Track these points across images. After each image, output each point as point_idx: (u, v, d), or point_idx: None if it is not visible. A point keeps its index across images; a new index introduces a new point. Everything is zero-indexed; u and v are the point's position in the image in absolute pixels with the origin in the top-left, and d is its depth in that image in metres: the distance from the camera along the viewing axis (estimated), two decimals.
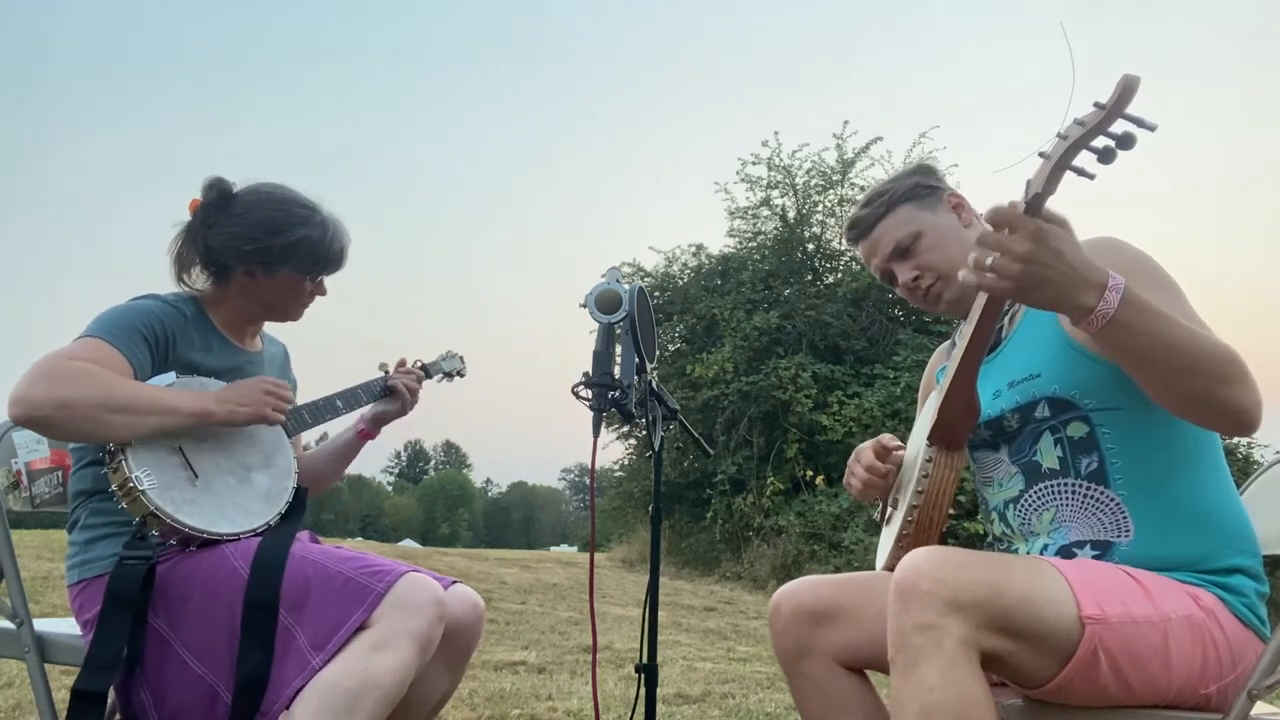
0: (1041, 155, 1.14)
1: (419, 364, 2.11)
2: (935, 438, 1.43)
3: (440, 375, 2.19)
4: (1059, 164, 1.11)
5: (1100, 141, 1.08)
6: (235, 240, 1.70)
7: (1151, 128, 1.06)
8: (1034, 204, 1.14)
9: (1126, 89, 1.04)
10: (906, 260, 1.61)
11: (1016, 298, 1.18)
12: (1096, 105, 1.07)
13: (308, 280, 1.79)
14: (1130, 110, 1.05)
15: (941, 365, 1.73)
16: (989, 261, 1.15)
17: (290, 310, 1.83)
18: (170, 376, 1.63)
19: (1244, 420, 1.20)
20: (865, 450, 1.65)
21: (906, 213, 1.61)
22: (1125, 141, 1.07)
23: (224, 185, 1.73)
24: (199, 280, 1.77)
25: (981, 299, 1.30)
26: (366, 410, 2.01)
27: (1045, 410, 1.42)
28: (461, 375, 2.24)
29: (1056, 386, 1.40)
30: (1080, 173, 1.11)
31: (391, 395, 2.01)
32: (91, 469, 1.64)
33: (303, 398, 1.93)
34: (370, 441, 2.05)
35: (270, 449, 1.74)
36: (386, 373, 2.03)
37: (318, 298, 1.85)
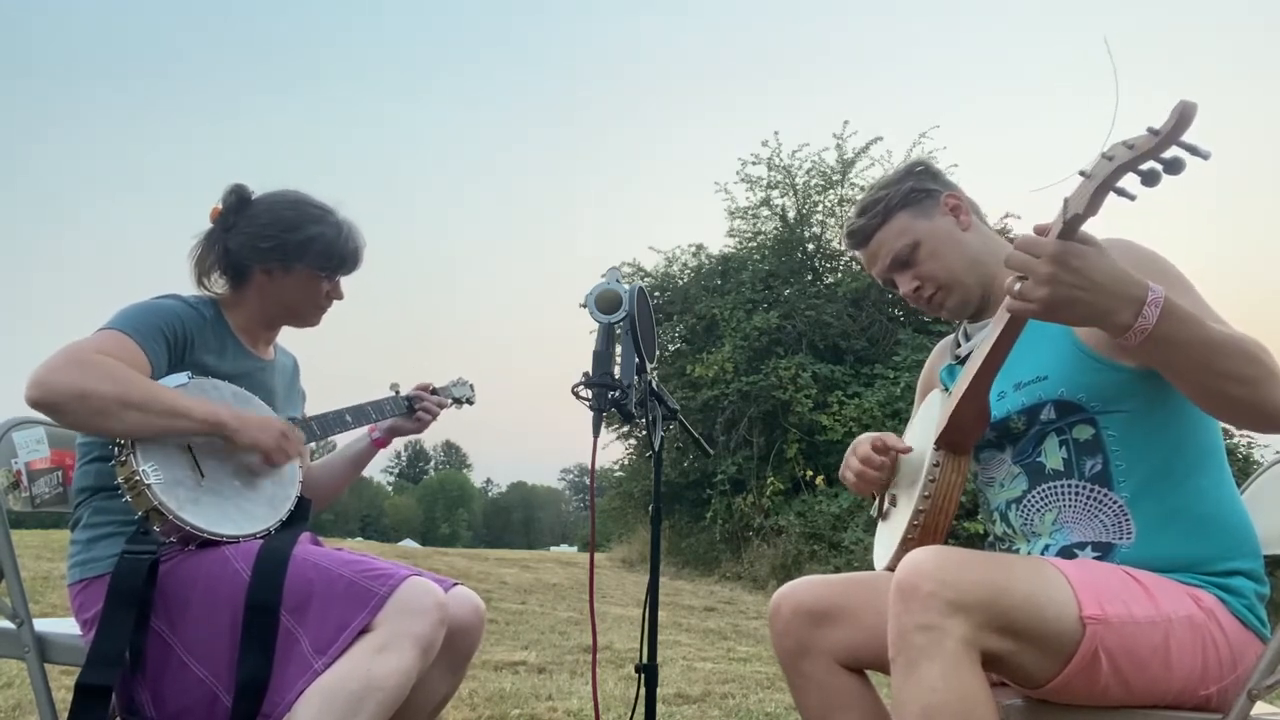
0: (1082, 174, 1.12)
1: (430, 388, 2.13)
2: (943, 442, 1.42)
3: (450, 401, 2.21)
4: (1103, 185, 1.09)
5: (1147, 164, 1.05)
6: (253, 239, 1.74)
7: (1205, 156, 1.03)
8: (1072, 224, 1.13)
9: (1183, 117, 1.01)
10: (906, 270, 1.61)
11: (1045, 318, 1.17)
12: (1150, 131, 1.04)
13: (324, 280, 1.82)
14: (1185, 138, 1.02)
15: (945, 363, 1.73)
16: (1016, 287, 1.16)
17: (308, 313, 1.86)
18: (183, 377, 1.64)
19: None
20: (863, 444, 1.64)
21: (903, 221, 1.60)
22: (1174, 166, 1.04)
23: (243, 190, 1.79)
24: (218, 284, 1.80)
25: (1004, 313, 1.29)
26: (383, 422, 2.04)
27: (1051, 413, 1.42)
28: (470, 403, 2.28)
29: (1064, 389, 1.40)
30: (1121, 193, 1.09)
31: (412, 415, 2.05)
32: (95, 465, 1.65)
33: (313, 410, 1.94)
34: (383, 450, 2.08)
35: None
36: (397, 392, 2.05)
37: (335, 302, 1.87)
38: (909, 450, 1.60)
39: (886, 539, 1.62)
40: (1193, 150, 1.04)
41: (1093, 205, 1.11)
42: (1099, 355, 1.38)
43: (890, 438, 1.64)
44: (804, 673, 1.61)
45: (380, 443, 2.06)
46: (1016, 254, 1.15)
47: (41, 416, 1.62)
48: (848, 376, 11.90)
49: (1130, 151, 1.06)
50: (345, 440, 2.09)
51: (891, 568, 1.50)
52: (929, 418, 1.58)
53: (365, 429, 2.05)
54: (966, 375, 1.37)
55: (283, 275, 1.78)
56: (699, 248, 14.07)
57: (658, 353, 1.92)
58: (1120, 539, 1.37)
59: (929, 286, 1.59)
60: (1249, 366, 1.17)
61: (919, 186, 1.61)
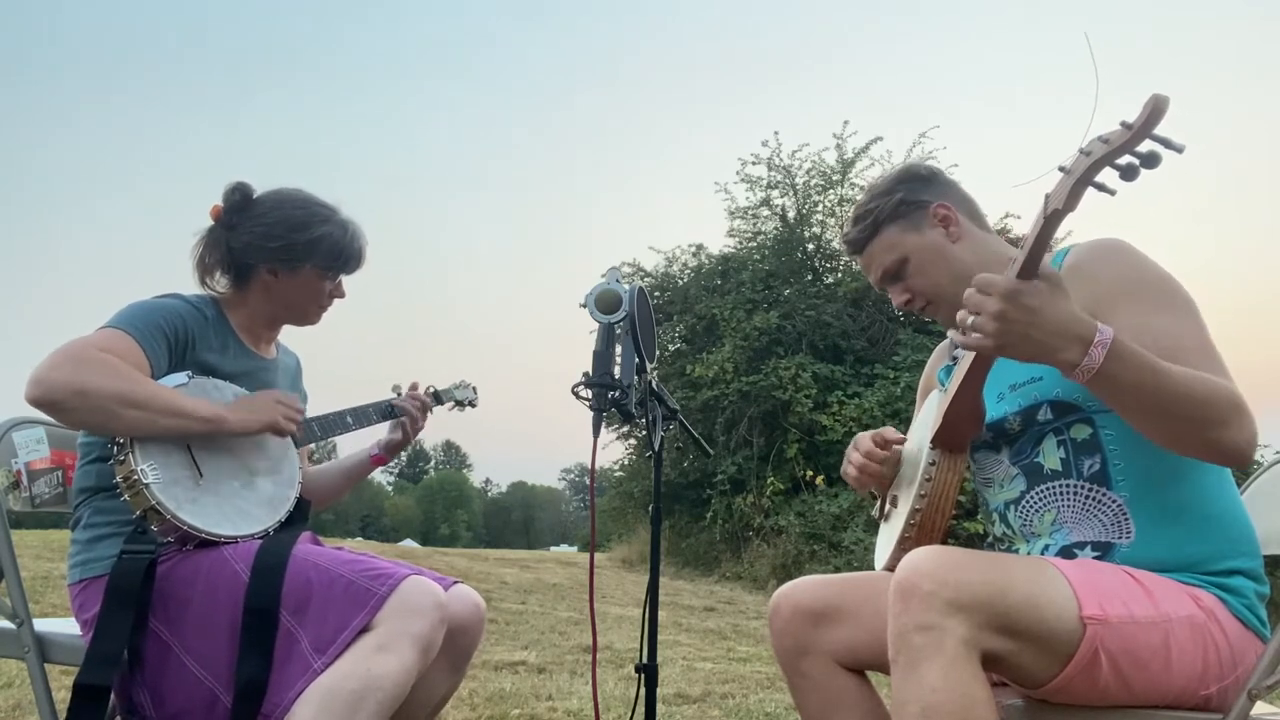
0: (1062, 170, 1.13)
1: (430, 390, 2.12)
2: (939, 441, 1.43)
3: (452, 404, 2.20)
4: (1081, 180, 1.09)
5: (1124, 159, 1.06)
6: (259, 239, 1.74)
7: (1179, 149, 1.03)
8: (1052, 220, 1.13)
9: (1155, 110, 1.02)
10: (896, 284, 1.62)
11: (997, 354, 1.21)
12: (1124, 125, 1.04)
13: (328, 279, 1.82)
14: (1158, 130, 1.03)
15: (943, 364, 1.73)
16: (970, 321, 1.19)
17: (309, 312, 1.86)
18: (182, 377, 1.64)
19: (1233, 457, 1.22)
20: (864, 438, 1.65)
21: (891, 236, 1.60)
22: (1150, 160, 1.05)
23: (246, 189, 1.78)
24: (220, 283, 1.80)
25: None
26: (382, 436, 2.04)
27: (1048, 413, 1.42)
28: (473, 405, 2.26)
29: (1059, 390, 1.40)
30: (1101, 188, 1.10)
31: (396, 417, 2.02)
32: (96, 465, 1.65)
33: (313, 409, 1.94)
34: (381, 467, 2.08)
35: (277, 456, 1.75)
36: (399, 393, 2.04)
37: (336, 301, 1.87)
38: (904, 440, 1.61)
39: (886, 539, 1.63)
40: (1166, 144, 1.04)
41: (1071, 200, 1.11)
42: None
43: (890, 432, 1.64)
44: (804, 673, 1.61)
45: (378, 459, 2.06)
46: (971, 294, 1.19)
47: (42, 416, 1.63)
48: (848, 376, 11.90)
49: (1106, 146, 1.06)
50: (345, 445, 2.09)
51: (890, 568, 1.50)
52: (925, 418, 1.59)
53: (367, 446, 2.05)
54: (958, 374, 1.38)
55: (289, 275, 1.78)
56: (699, 248, 14.10)
57: (658, 353, 1.92)
58: (1120, 538, 1.37)
59: (919, 300, 1.61)
60: (1203, 408, 1.19)
61: (908, 198, 1.60)
